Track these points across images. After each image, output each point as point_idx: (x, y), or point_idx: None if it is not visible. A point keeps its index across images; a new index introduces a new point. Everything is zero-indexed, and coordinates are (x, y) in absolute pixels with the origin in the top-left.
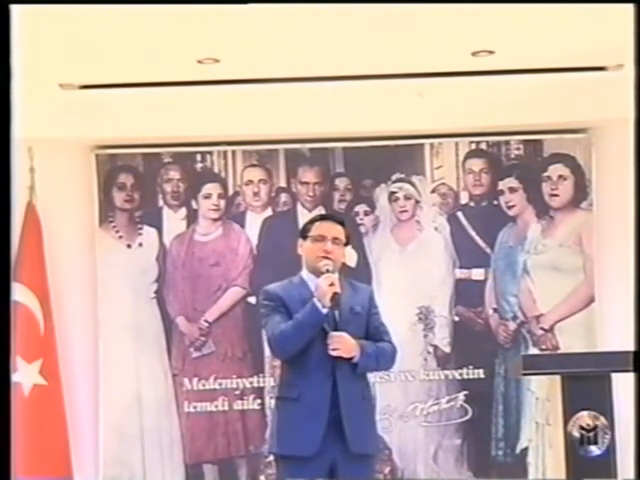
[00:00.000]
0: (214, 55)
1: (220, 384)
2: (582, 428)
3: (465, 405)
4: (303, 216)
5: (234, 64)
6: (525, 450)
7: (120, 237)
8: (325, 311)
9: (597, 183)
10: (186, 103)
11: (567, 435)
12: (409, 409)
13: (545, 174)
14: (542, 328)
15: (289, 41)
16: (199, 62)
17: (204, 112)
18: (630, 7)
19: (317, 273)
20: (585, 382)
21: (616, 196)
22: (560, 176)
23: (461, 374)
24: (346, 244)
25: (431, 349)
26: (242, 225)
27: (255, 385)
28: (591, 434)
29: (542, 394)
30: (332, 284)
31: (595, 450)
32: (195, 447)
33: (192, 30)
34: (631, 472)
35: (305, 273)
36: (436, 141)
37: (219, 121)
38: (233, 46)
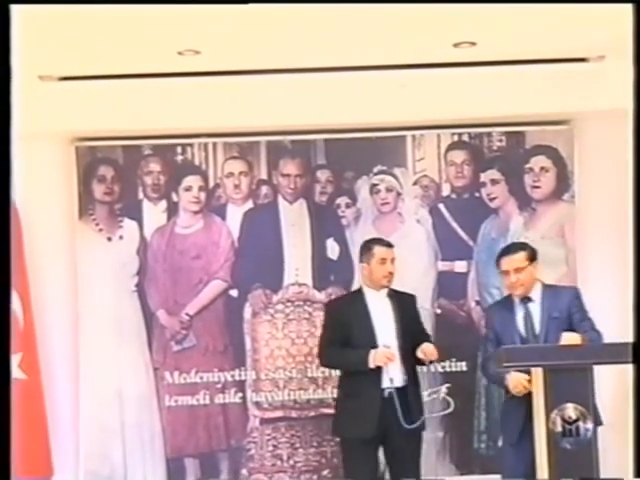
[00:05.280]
0: (194, 47)
1: (201, 378)
2: (564, 420)
3: (447, 398)
4: (284, 208)
5: (215, 56)
6: None
7: (100, 230)
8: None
9: (579, 175)
10: (166, 95)
11: (548, 428)
12: None
13: (527, 166)
14: None
15: (270, 33)
16: (179, 54)
17: (184, 104)
18: (629, 7)
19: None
20: (566, 375)
21: (598, 187)
22: (542, 168)
23: (443, 367)
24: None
25: None
26: (223, 218)
27: (237, 378)
28: (572, 426)
29: None
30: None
31: (576, 442)
32: (176, 441)
33: (172, 22)
34: (611, 463)
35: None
36: (418, 133)
37: (200, 113)
38: (213, 38)
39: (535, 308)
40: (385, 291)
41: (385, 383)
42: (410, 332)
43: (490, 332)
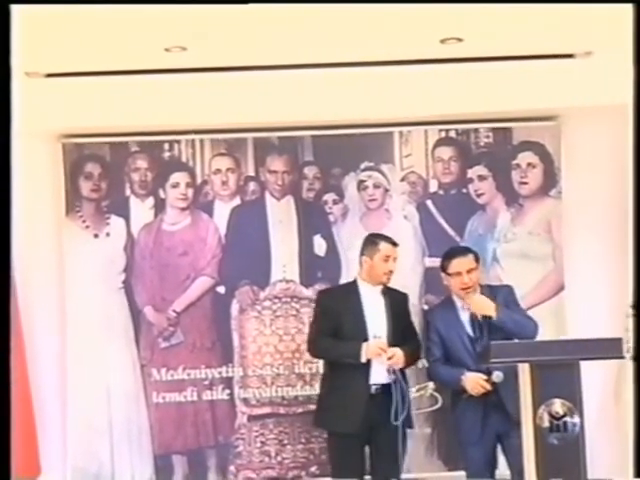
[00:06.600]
0: (181, 43)
1: (189, 374)
2: (551, 416)
3: (435, 394)
4: (271, 205)
5: (201, 52)
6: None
7: (87, 227)
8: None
9: (566, 171)
10: (153, 91)
11: (535, 423)
12: None
13: (514, 162)
14: None
15: (257, 30)
16: (166, 50)
17: (172, 100)
18: (629, 7)
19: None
20: (554, 370)
21: (585, 183)
22: (529, 164)
23: None
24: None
25: None
26: (210, 214)
27: (224, 375)
28: (560, 422)
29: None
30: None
31: (563, 438)
32: (164, 438)
33: (159, 18)
34: (598, 459)
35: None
36: (405, 129)
37: (187, 110)
38: (200, 34)
39: None
40: (380, 287)
41: (376, 379)
42: (401, 330)
43: (434, 335)
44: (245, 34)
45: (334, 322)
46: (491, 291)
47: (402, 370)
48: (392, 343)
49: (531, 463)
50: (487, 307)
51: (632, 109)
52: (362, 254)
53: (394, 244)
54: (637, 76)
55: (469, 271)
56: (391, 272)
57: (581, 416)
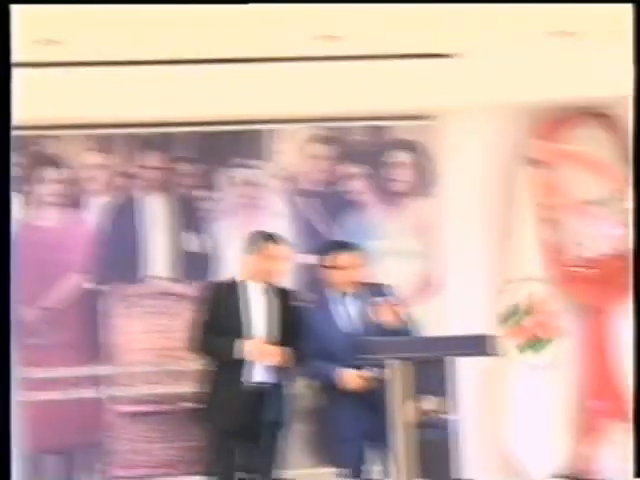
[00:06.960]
0: (56, 37)
1: (61, 372)
2: (422, 412)
3: (311, 391)
4: (145, 201)
5: (78, 47)
6: None
7: None
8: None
9: (443, 170)
10: (27, 85)
11: (407, 420)
12: None
13: (390, 160)
14: None
15: (131, 25)
16: (35, 43)
17: (44, 95)
18: (629, 7)
19: None
20: (426, 366)
21: (461, 183)
22: (405, 162)
23: None
24: None
25: None
26: (83, 210)
27: (97, 373)
28: (431, 418)
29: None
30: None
31: (434, 433)
32: (35, 437)
33: (30, 13)
34: (470, 453)
35: None
36: (279, 126)
37: (59, 104)
38: (77, 29)
39: (359, 304)
40: (265, 285)
41: (256, 376)
42: (284, 328)
43: (311, 332)
44: (120, 30)
45: (215, 319)
46: (373, 289)
47: (284, 368)
48: (274, 341)
49: (402, 460)
50: (397, 317)
51: (632, 108)
52: (247, 252)
53: (284, 243)
54: (637, 75)
55: (356, 266)
56: (279, 271)
57: (453, 413)
